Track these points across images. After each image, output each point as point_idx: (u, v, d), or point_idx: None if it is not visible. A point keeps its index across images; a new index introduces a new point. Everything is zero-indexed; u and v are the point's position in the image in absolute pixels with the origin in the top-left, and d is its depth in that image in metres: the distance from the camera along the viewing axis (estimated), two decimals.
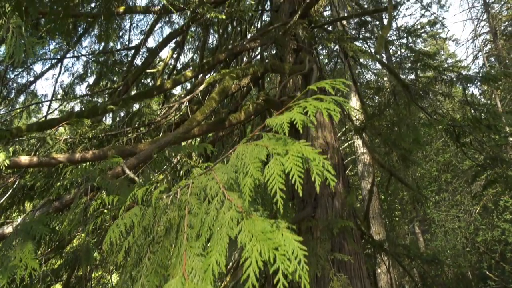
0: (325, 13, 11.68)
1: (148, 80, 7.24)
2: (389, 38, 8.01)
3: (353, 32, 8.70)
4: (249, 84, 5.13)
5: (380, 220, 9.70)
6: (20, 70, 6.19)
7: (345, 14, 11.10)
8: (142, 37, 6.73)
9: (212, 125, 3.49)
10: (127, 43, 7.13)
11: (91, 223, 1.95)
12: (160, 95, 5.77)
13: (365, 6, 11.87)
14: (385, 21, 9.70)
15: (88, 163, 3.09)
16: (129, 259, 1.54)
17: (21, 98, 7.07)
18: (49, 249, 3.10)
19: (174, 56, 6.98)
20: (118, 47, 6.93)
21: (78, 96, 6.84)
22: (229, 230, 0.82)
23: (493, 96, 14.44)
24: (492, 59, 18.05)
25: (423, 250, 11.26)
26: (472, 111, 6.23)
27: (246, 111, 3.64)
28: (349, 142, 10.62)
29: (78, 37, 6.07)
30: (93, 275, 5.68)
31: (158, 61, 7.51)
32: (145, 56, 6.52)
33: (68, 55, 6.58)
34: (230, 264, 4.44)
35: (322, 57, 10.51)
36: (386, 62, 8.97)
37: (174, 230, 1.17)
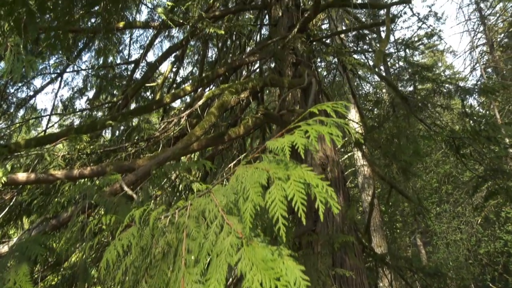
0: (323, 26, 11.78)
1: (148, 93, 7.26)
2: (387, 51, 8.06)
3: (351, 44, 8.77)
4: (248, 97, 5.13)
5: (381, 233, 9.61)
6: (20, 84, 6.20)
7: (343, 27, 11.20)
8: (142, 51, 6.77)
9: (211, 139, 3.47)
10: (127, 57, 7.16)
11: (89, 242, 1.92)
12: (160, 109, 5.77)
13: (363, 19, 11.99)
14: (383, 34, 9.79)
15: (86, 179, 3.06)
16: (127, 281, 1.51)
17: (21, 112, 7.07)
18: (45, 267, 3.05)
19: (174, 70, 7.01)
20: (118, 61, 6.96)
21: (77, 110, 6.83)
22: (228, 257, 0.80)
23: (492, 106, 14.49)
24: (490, 70, 18.17)
25: (425, 262, 11.14)
26: (471, 123, 6.24)
27: (246, 126, 3.63)
28: (349, 154, 10.60)
29: (78, 51, 6.10)
30: None
31: (157, 75, 7.54)
32: (145, 70, 6.55)
33: (68, 70, 6.60)
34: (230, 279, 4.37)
35: (321, 69, 10.57)
36: (384, 74, 9.02)
37: (172, 254, 1.14)
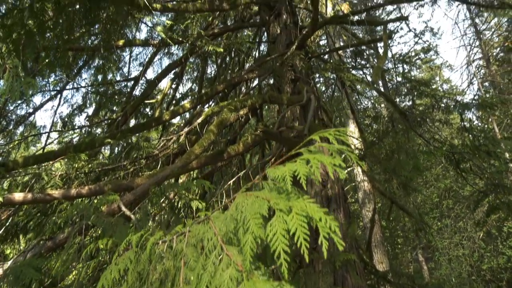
0: (321, 42, 11.91)
1: (147, 109, 7.27)
2: (385, 66, 8.12)
3: (349, 60, 8.84)
4: (248, 114, 5.13)
5: (383, 248, 9.50)
6: (19, 102, 6.20)
7: (341, 43, 11.32)
8: (141, 68, 6.81)
9: (210, 157, 3.45)
10: (126, 74, 7.20)
11: (85, 266, 1.88)
12: (159, 126, 5.76)
13: (360, 34, 12.12)
14: (380, 50, 9.89)
15: (84, 198, 3.02)
16: None
17: (20, 129, 7.06)
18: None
19: (173, 86, 7.04)
20: (118, 78, 6.98)
21: (76, 127, 6.82)
22: None
23: (490, 120, 14.53)
24: (487, 84, 18.30)
25: (428, 279, 10.99)
26: (471, 137, 6.24)
27: (245, 143, 3.62)
28: (349, 169, 10.56)
29: (78, 69, 6.13)
30: None
31: (157, 92, 7.56)
32: (144, 87, 6.57)
33: (67, 87, 6.62)
34: None
35: (320, 84, 10.62)
36: (382, 89, 9.06)
37: (170, 283, 1.11)
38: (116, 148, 5.40)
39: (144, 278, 1.37)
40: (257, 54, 7.13)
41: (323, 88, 10.65)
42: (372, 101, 12.11)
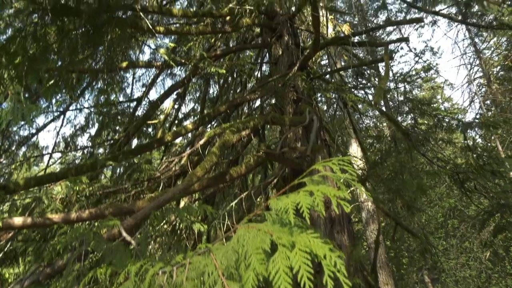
0: (322, 62, 12.02)
1: (150, 129, 7.28)
2: (386, 86, 8.15)
3: (350, 79, 8.89)
4: (250, 134, 5.13)
5: (388, 269, 9.31)
6: (22, 122, 6.23)
7: (342, 63, 11.42)
8: (144, 89, 6.86)
9: (213, 179, 3.42)
10: (129, 94, 7.24)
11: None
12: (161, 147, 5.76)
13: (360, 54, 12.23)
14: (381, 69, 9.96)
15: (84, 222, 2.98)
16: None
17: (22, 150, 7.06)
18: None
19: (175, 106, 7.07)
20: (121, 99, 7.02)
21: (79, 148, 6.83)
22: None
23: (493, 138, 14.47)
24: (488, 102, 18.32)
25: None
26: (475, 156, 6.19)
27: (247, 165, 3.59)
28: (352, 188, 10.47)
29: (81, 90, 6.18)
30: None
31: (159, 112, 7.60)
32: (147, 107, 6.60)
33: (71, 108, 6.65)
34: None
35: (321, 103, 10.65)
36: (384, 108, 9.08)
37: None
38: (118, 169, 5.38)
39: None
40: (259, 75, 7.18)
41: (325, 107, 10.68)
42: (374, 119, 12.13)
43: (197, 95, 7.84)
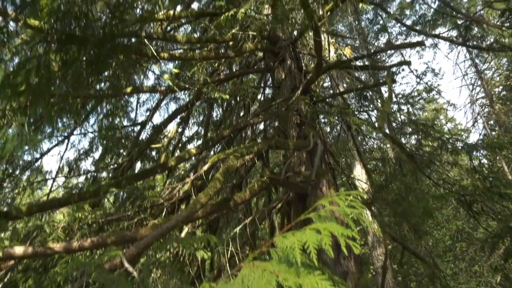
0: (325, 84, 12.11)
1: (153, 153, 7.28)
2: (390, 110, 8.15)
3: (353, 100, 8.92)
4: (253, 158, 5.11)
5: None
6: (26, 147, 6.25)
7: (344, 84, 11.50)
8: (148, 113, 6.90)
9: (216, 206, 3.38)
10: (133, 118, 7.28)
11: None
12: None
13: (362, 76, 12.32)
14: (383, 90, 10.01)
15: (86, 251, 2.94)
16: None
17: (27, 173, 7.05)
18: None
19: (179, 130, 7.10)
20: (125, 123, 7.06)
21: (82, 172, 6.82)
22: None
23: (498, 158, 14.34)
24: (492, 122, 18.29)
25: None
26: (481, 177, 6.12)
27: (251, 190, 3.56)
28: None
29: (86, 115, 6.22)
30: None
31: (163, 136, 7.62)
32: (151, 130, 6.63)
33: (75, 132, 6.68)
34: None
35: (325, 125, 10.64)
36: (387, 130, 9.06)
37: None
38: (121, 194, 5.35)
39: None
40: (262, 97, 7.23)
41: (328, 129, 10.67)
42: (378, 141, 12.08)
43: (201, 118, 7.87)
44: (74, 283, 2.21)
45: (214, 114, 7.64)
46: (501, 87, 17.89)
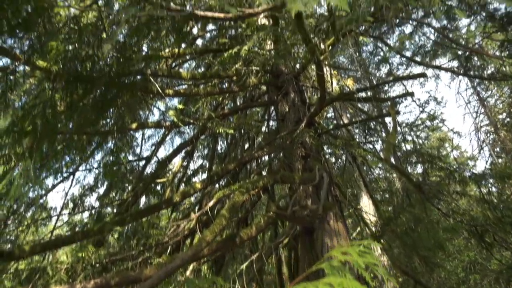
0: (328, 115, 12.18)
1: (158, 187, 7.24)
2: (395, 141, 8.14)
3: (357, 130, 8.94)
4: (259, 192, 5.06)
5: None
6: (31, 185, 6.25)
7: (347, 115, 11.57)
8: (153, 147, 6.93)
9: (222, 243, 3.31)
10: (138, 153, 7.31)
11: None
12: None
13: (365, 107, 12.40)
14: (387, 120, 10.05)
15: None
16: None
17: (31, 210, 7.01)
18: None
19: (184, 164, 7.09)
20: (130, 157, 7.08)
21: (87, 209, 6.78)
22: None
23: (506, 185, 14.11)
24: (498, 149, 18.17)
25: None
26: (492, 207, 6.01)
27: (258, 226, 3.50)
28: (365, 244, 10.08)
29: (91, 151, 6.25)
30: None
31: (168, 170, 7.61)
32: (156, 165, 6.63)
33: (80, 168, 6.69)
34: None
35: (329, 155, 10.59)
36: (393, 159, 9.01)
37: None
38: (126, 230, 5.28)
39: None
40: (266, 130, 7.26)
41: (333, 159, 10.62)
42: (383, 170, 11.98)
43: (206, 151, 7.89)
44: None
45: (219, 147, 7.66)
46: (504, 114, 17.91)
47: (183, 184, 7.16)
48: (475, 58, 7.36)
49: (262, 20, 6.47)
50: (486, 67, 7.90)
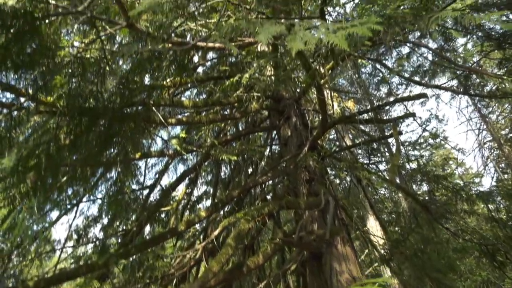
0: (331, 137, 12.19)
1: (162, 215, 7.18)
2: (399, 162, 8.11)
3: (360, 151, 8.92)
4: (264, 218, 5.01)
5: None
6: (34, 217, 6.21)
7: (350, 136, 11.58)
8: (156, 176, 6.92)
9: (229, 273, 3.26)
10: (142, 182, 7.29)
11: None
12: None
13: (367, 128, 12.42)
14: (390, 140, 10.05)
15: None
16: None
17: (35, 243, 6.94)
18: None
19: (188, 191, 7.07)
20: (133, 186, 7.06)
21: (91, 240, 6.72)
22: None
23: None
24: (503, 165, 18.04)
25: None
26: (501, 226, 5.91)
27: (264, 254, 3.45)
28: (375, 267, 9.91)
29: (94, 182, 6.25)
30: None
31: (172, 197, 7.58)
32: (160, 193, 6.61)
33: (84, 199, 6.67)
34: None
35: (334, 177, 10.51)
36: (398, 180, 8.95)
37: None
38: (131, 262, 5.20)
39: None
40: (269, 154, 7.26)
41: (338, 181, 10.54)
42: (389, 190, 11.87)
43: (209, 178, 7.87)
44: None
45: (223, 173, 7.65)
46: (507, 129, 17.90)
47: (187, 212, 7.11)
48: (474, 77, 7.43)
49: (262, 47, 6.59)
50: (486, 84, 7.96)
